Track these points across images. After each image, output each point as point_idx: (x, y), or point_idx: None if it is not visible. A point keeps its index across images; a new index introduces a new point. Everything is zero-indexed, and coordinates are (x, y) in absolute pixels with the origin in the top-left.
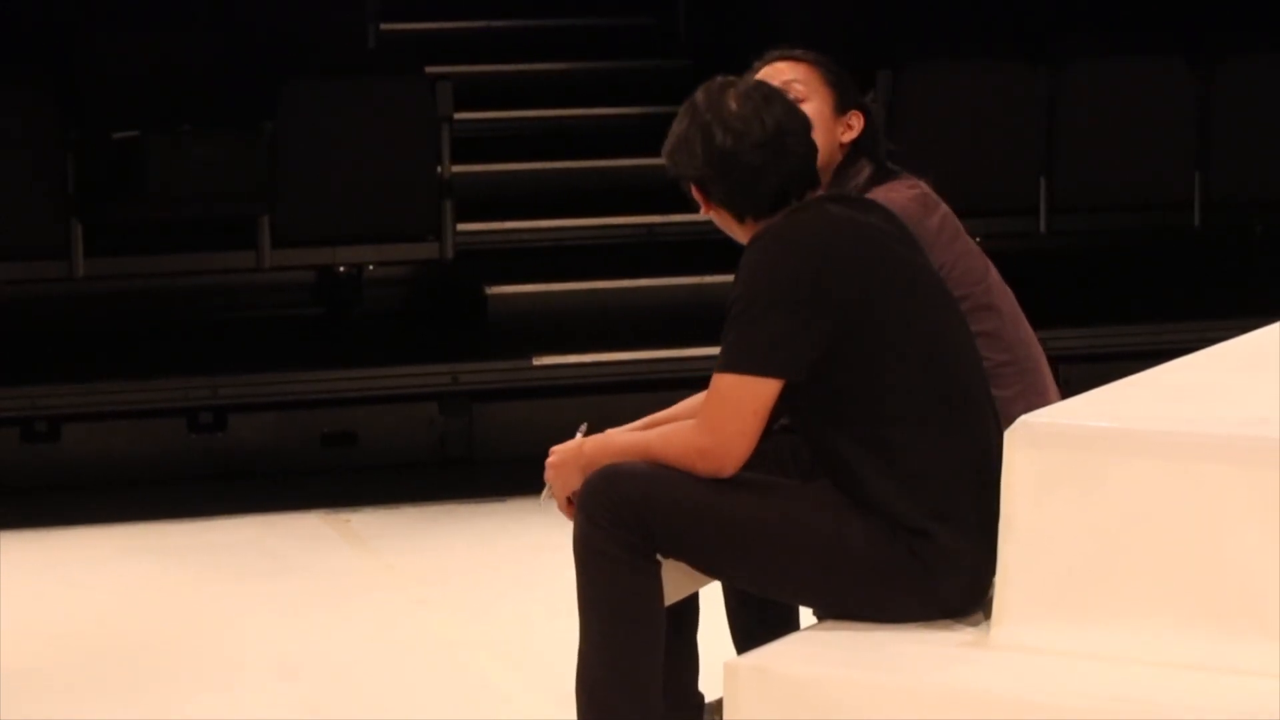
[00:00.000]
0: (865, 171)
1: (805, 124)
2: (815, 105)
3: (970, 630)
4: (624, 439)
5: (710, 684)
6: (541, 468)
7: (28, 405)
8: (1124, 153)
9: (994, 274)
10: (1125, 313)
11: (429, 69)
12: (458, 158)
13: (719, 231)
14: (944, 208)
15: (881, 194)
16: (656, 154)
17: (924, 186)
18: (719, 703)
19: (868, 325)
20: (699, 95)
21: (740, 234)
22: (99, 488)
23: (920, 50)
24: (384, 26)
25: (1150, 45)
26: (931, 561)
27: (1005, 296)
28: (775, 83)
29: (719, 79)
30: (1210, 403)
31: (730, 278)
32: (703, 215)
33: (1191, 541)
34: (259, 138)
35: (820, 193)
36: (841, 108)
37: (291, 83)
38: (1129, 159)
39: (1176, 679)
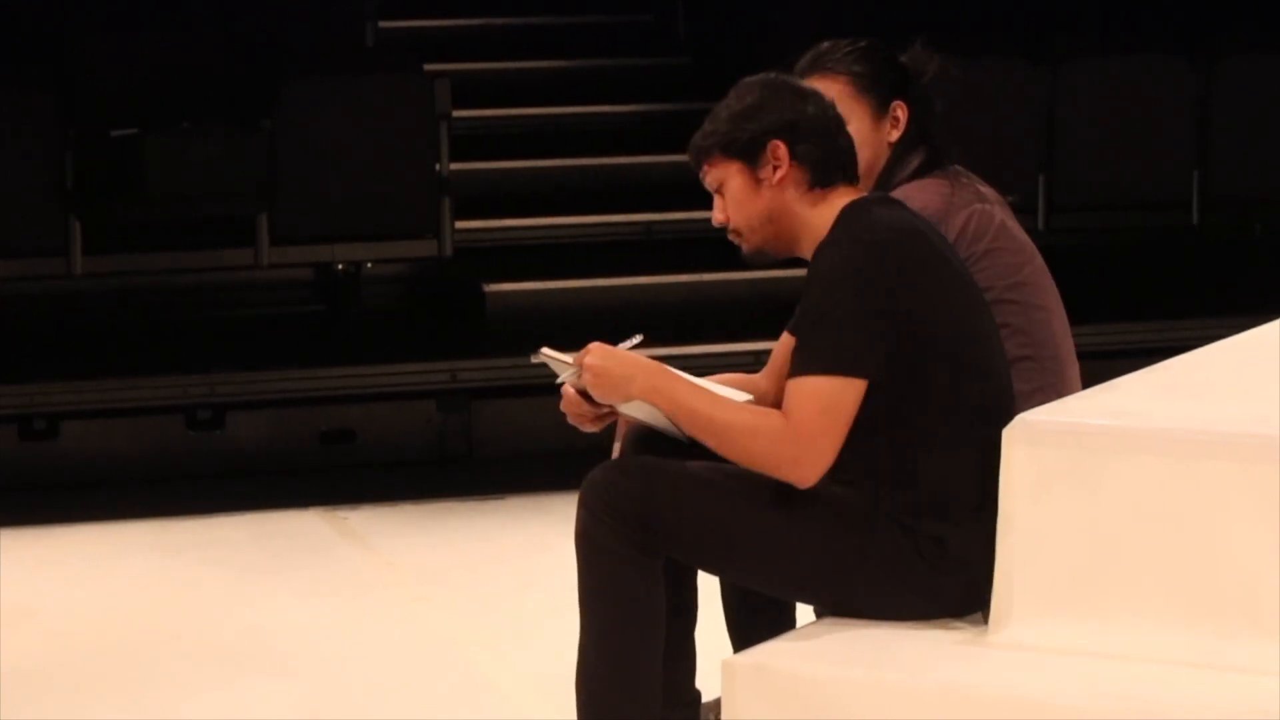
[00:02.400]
0: (913, 164)
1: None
2: (853, 125)
3: (969, 628)
4: (691, 399)
5: (708, 682)
6: (542, 465)
7: (26, 403)
8: (1123, 151)
9: (1033, 271)
10: (1124, 311)
11: (427, 66)
12: (456, 155)
13: (717, 229)
14: (979, 205)
15: (905, 192)
16: (656, 152)
17: (958, 182)
18: (717, 701)
19: (921, 329)
20: (759, 77)
21: (799, 204)
22: (97, 485)
23: (919, 48)
24: (382, 24)
25: (1150, 44)
26: (938, 561)
27: (1040, 293)
28: None
29: (773, 75)
30: (1209, 400)
31: (728, 275)
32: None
33: (1191, 539)
34: (257, 135)
35: (863, 194)
36: (882, 107)
37: (290, 80)
38: (1128, 157)
39: (1176, 677)
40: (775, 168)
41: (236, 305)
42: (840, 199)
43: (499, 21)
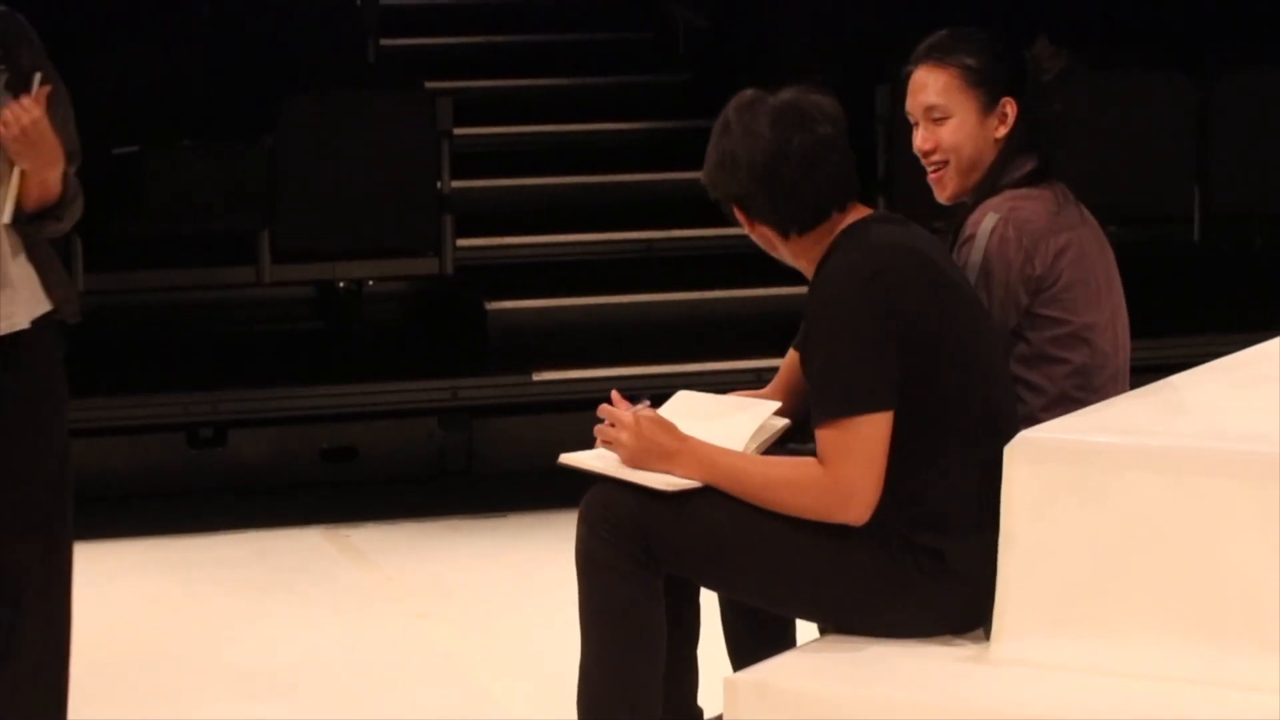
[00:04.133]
0: (1023, 169)
1: (839, 132)
2: (958, 118)
3: (970, 645)
4: (730, 463)
5: (710, 699)
6: (542, 482)
7: None
8: (1123, 166)
9: (1112, 312)
10: None
11: (429, 84)
12: (457, 173)
13: (717, 247)
14: (1080, 230)
15: (1013, 200)
16: (656, 169)
17: (1065, 199)
18: (719, 718)
19: (922, 346)
20: (731, 113)
21: (786, 252)
22: (98, 503)
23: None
24: (384, 41)
25: (1150, 59)
26: (936, 575)
27: (1111, 340)
28: (918, 103)
29: (749, 93)
30: (1210, 417)
31: (729, 292)
32: (741, 231)
33: (1192, 556)
34: (259, 153)
35: (868, 212)
36: (991, 102)
37: (291, 97)
38: (1128, 172)
39: (1177, 694)
40: (744, 220)
41: (238, 323)
42: (849, 218)
43: (500, 39)
